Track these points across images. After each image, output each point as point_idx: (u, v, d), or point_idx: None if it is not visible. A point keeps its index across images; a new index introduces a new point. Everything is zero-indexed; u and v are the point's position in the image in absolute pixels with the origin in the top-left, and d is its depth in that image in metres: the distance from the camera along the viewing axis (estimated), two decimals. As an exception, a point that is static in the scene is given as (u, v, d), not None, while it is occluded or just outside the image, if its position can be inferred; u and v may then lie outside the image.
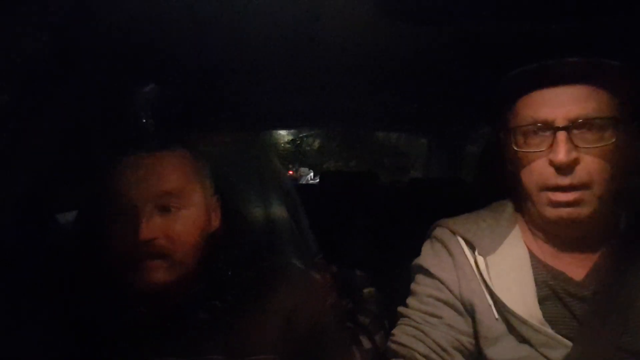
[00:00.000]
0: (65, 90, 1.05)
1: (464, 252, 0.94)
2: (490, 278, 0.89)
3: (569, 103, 0.83)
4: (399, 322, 0.97)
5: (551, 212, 0.85)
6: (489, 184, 1.07)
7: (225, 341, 0.87)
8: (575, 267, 0.89)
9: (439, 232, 1.00)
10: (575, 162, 0.81)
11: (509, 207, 0.99)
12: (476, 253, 0.92)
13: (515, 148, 0.87)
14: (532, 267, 0.90)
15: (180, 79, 1.38)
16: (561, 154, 0.81)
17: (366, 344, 1.19)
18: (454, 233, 0.97)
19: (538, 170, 0.85)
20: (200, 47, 1.17)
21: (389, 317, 1.16)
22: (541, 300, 0.86)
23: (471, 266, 0.92)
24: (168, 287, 0.85)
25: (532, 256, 0.91)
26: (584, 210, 0.83)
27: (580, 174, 0.82)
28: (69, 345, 0.85)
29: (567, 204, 0.83)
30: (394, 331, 0.96)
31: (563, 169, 0.82)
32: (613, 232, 0.90)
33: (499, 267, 0.90)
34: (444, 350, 0.88)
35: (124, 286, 0.85)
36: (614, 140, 0.82)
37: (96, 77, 1.13)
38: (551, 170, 0.83)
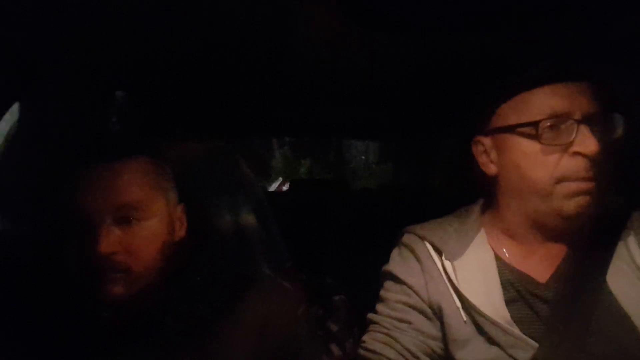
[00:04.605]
0: (31, 97, 1.03)
1: (432, 257, 0.95)
2: (457, 281, 0.90)
3: (581, 98, 0.87)
4: (368, 328, 0.97)
5: (569, 204, 0.87)
6: (459, 188, 1.09)
7: (195, 350, 0.85)
8: (540, 269, 0.91)
9: (406, 238, 1.01)
10: (598, 154, 0.85)
11: (474, 212, 1.01)
12: (443, 257, 0.93)
13: (540, 142, 0.87)
14: (498, 269, 0.91)
15: (149, 86, 1.36)
16: (593, 145, 0.84)
17: (336, 351, 1.19)
18: (421, 238, 0.98)
19: (560, 163, 0.86)
20: (171, 54, 1.16)
21: (359, 324, 1.16)
22: (508, 302, 0.87)
23: (439, 270, 0.93)
24: (129, 299, 0.83)
25: (498, 259, 0.93)
26: (594, 202, 0.86)
27: (596, 166, 0.85)
28: (32, 356, 0.82)
29: (586, 193, 0.86)
30: (364, 338, 0.96)
31: (591, 160, 0.85)
32: (578, 235, 0.92)
33: (465, 271, 0.91)
34: (414, 355, 0.89)
35: (86, 296, 0.83)
36: (618, 136, 0.87)
37: (62, 83, 1.11)
38: (575, 161, 0.86)
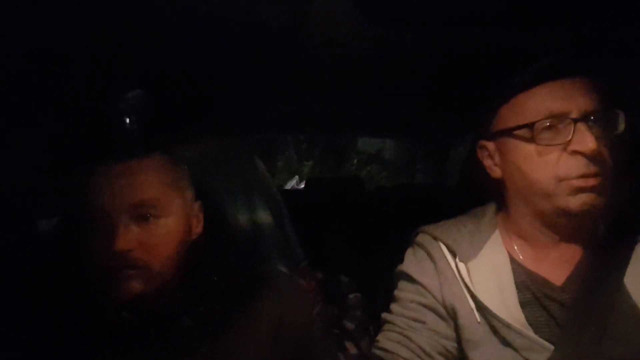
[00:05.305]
0: (48, 95, 1.04)
1: (446, 258, 0.95)
2: (472, 283, 0.90)
3: (578, 96, 0.86)
4: (383, 328, 0.97)
5: (574, 201, 0.86)
6: (472, 190, 1.08)
7: (211, 348, 0.86)
8: (556, 271, 0.90)
9: (421, 238, 1.01)
10: (598, 151, 0.84)
11: (489, 212, 1.00)
12: (457, 259, 0.93)
13: (537, 144, 0.87)
14: (512, 271, 0.91)
15: (165, 84, 1.37)
16: (591, 143, 0.83)
17: (352, 349, 1.19)
18: (435, 239, 0.98)
19: (559, 163, 0.86)
20: (185, 51, 1.17)
21: (374, 323, 1.16)
22: (523, 304, 0.87)
23: (453, 271, 0.93)
24: (146, 296, 0.83)
25: (513, 260, 0.92)
26: (600, 198, 0.85)
27: (597, 163, 0.85)
28: (49, 354, 0.84)
29: (590, 189, 0.85)
30: (378, 337, 0.96)
31: (590, 158, 0.84)
32: (593, 236, 0.92)
33: (479, 272, 0.91)
34: (428, 355, 0.89)
35: (103, 294, 0.84)
36: (620, 131, 0.86)
37: (80, 82, 1.12)
38: (574, 160, 0.85)
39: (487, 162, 0.98)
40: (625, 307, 0.83)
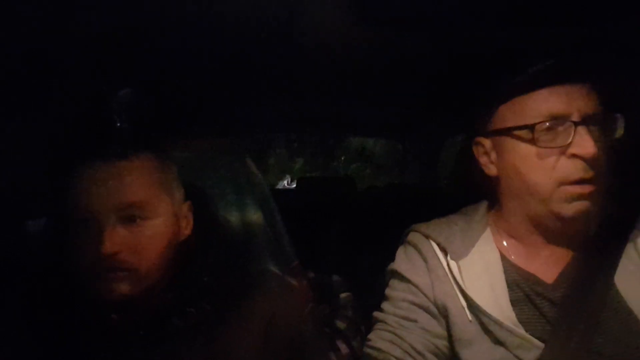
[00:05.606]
0: (37, 96, 1.03)
1: (437, 256, 0.95)
2: (463, 281, 0.90)
3: (579, 99, 0.86)
4: (374, 327, 0.97)
5: (568, 207, 0.86)
6: (464, 187, 1.08)
7: (202, 349, 0.85)
8: (547, 269, 0.90)
9: (412, 236, 1.01)
10: (597, 155, 0.84)
11: (480, 210, 1.00)
12: (448, 257, 0.93)
13: (536, 145, 0.86)
14: (503, 269, 0.91)
15: (156, 83, 1.36)
16: (591, 147, 0.83)
17: (343, 349, 1.18)
18: (427, 237, 0.98)
19: (558, 165, 0.85)
20: (177, 50, 1.16)
21: (366, 322, 1.16)
22: (514, 302, 0.87)
23: (444, 269, 0.93)
24: (135, 298, 0.83)
25: (504, 258, 0.93)
26: (593, 204, 0.85)
27: (594, 167, 0.84)
28: (39, 355, 0.83)
29: (585, 197, 0.85)
30: (370, 336, 0.96)
31: (589, 162, 0.84)
32: (585, 235, 0.92)
33: (471, 270, 0.91)
34: (420, 353, 0.89)
35: (92, 295, 0.83)
36: (619, 136, 0.86)
37: (70, 82, 1.11)
38: (573, 164, 0.85)
39: (483, 160, 0.97)
40: (616, 305, 0.84)
